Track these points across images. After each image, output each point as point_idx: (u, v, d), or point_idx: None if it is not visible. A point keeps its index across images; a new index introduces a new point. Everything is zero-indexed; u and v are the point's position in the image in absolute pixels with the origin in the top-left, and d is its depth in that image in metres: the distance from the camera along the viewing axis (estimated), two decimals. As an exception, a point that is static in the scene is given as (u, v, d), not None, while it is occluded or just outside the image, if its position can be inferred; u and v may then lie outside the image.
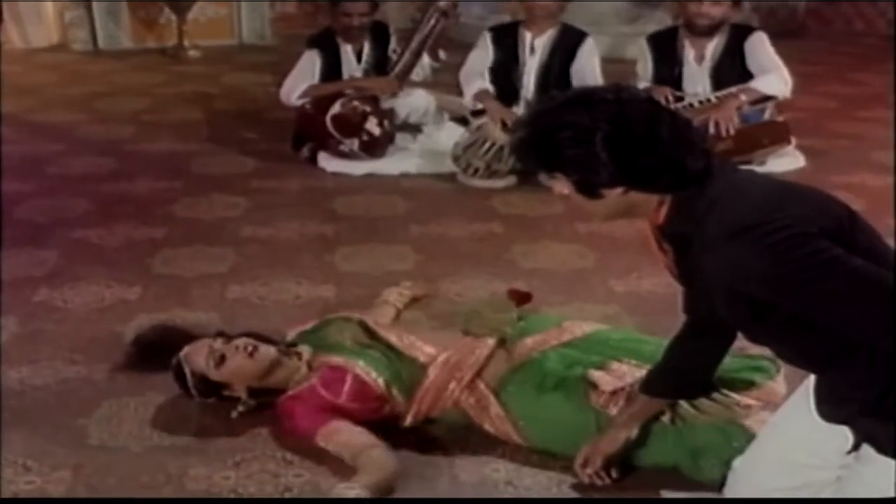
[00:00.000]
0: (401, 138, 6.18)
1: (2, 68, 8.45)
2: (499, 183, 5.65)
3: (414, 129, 6.20)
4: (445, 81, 6.57)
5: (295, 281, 4.43)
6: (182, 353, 3.34)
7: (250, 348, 3.27)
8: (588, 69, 5.95)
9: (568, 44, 6.00)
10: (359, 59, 6.23)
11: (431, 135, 6.13)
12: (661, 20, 8.22)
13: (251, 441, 3.22)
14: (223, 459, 3.13)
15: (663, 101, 5.65)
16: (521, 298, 3.61)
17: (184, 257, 4.73)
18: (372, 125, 5.92)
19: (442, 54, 6.25)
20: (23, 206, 5.40)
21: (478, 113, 5.88)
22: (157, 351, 3.52)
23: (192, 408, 3.38)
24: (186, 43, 9.23)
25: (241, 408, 3.31)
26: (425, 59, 6.21)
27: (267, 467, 3.08)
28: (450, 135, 5.95)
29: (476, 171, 5.64)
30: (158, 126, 7.04)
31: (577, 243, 4.86)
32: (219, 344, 3.30)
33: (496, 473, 3.06)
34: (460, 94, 6.15)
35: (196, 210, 5.36)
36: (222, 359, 3.26)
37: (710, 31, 5.84)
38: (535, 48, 6.01)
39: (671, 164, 2.24)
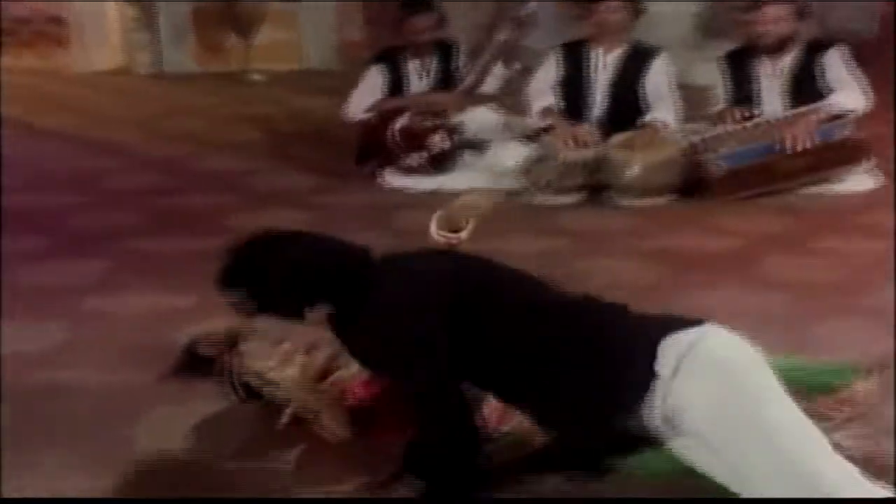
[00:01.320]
0: (467, 155, 5.97)
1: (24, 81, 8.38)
2: (567, 199, 5.46)
3: (480, 146, 5.99)
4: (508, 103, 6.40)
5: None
6: (236, 351, 3.16)
7: (306, 349, 3.13)
8: (663, 86, 5.75)
9: (640, 59, 5.80)
10: (425, 76, 6.10)
11: (497, 153, 5.91)
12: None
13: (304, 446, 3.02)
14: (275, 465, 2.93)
15: (732, 122, 5.55)
16: None
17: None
18: (439, 139, 5.76)
19: (517, 64, 6.07)
20: (74, 218, 5.30)
21: (544, 130, 5.68)
22: (207, 360, 3.33)
23: (242, 415, 3.18)
24: (251, 67, 9.13)
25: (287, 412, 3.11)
26: (499, 68, 6.04)
27: (323, 470, 2.86)
28: (516, 153, 5.73)
29: (546, 185, 5.43)
30: (219, 145, 6.93)
31: (644, 260, 4.65)
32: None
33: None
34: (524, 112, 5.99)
35: (255, 224, 5.14)
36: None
37: (780, 47, 5.66)
38: (606, 64, 5.80)
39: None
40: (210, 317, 3.84)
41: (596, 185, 5.50)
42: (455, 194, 5.35)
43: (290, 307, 2.74)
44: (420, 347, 2.53)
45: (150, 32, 9.43)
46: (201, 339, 3.47)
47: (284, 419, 3.09)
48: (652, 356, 2.31)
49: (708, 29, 9.12)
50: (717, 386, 2.25)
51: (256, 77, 9.08)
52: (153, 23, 9.41)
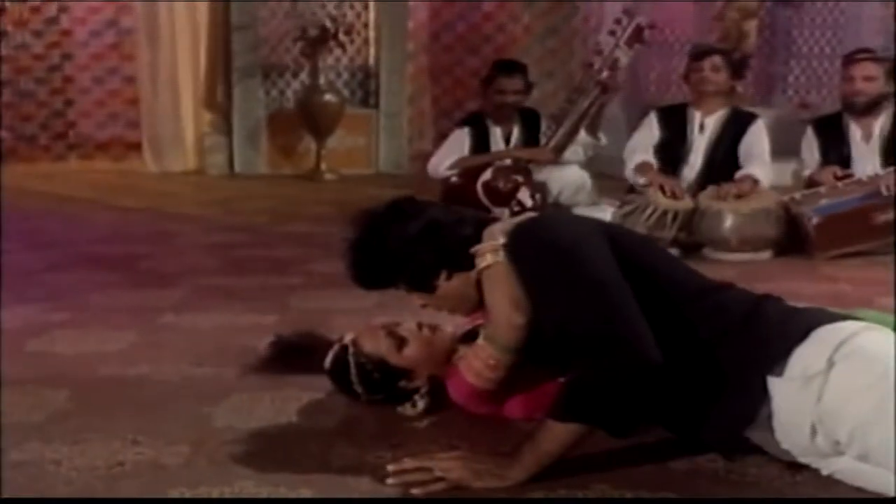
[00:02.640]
0: (551, 217, 5.80)
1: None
2: (661, 254, 5.20)
3: (566, 209, 5.85)
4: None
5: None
6: (346, 340, 2.93)
7: (430, 328, 2.90)
8: (758, 148, 5.69)
9: (738, 123, 5.77)
10: (507, 141, 6.06)
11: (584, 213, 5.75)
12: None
13: (407, 427, 2.83)
14: (375, 442, 2.70)
15: (830, 180, 5.48)
16: None
17: (324, 297, 4.36)
18: (524, 196, 5.68)
19: (602, 137, 5.98)
20: (146, 262, 5.24)
21: (641, 185, 5.60)
22: (296, 352, 3.18)
23: (338, 400, 2.99)
24: (323, 167, 9.10)
25: (419, 402, 2.88)
26: (583, 135, 5.94)
27: (429, 449, 2.60)
28: (604, 215, 5.56)
29: (637, 240, 5.21)
30: (291, 221, 6.80)
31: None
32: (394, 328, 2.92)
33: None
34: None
35: (335, 266, 4.99)
36: (403, 341, 2.85)
37: (871, 109, 5.69)
38: (705, 127, 5.73)
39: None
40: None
41: (689, 244, 5.33)
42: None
43: (426, 273, 2.66)
44: (604, 272, 2.41)
45: (224, 135, 9.45)
46: (288, 334, 3.30)
47: (420, 406, 2.87)
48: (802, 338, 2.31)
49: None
50: (873, 381, 2.17)
51: (328, 176, 9.04)
52: (228, 126, 9.45)
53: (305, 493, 2.39)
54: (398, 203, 2.72)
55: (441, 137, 10.45)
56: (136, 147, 9.81)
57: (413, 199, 2.75)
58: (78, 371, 3.36)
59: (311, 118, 9.02)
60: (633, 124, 6.55)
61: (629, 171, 5.71)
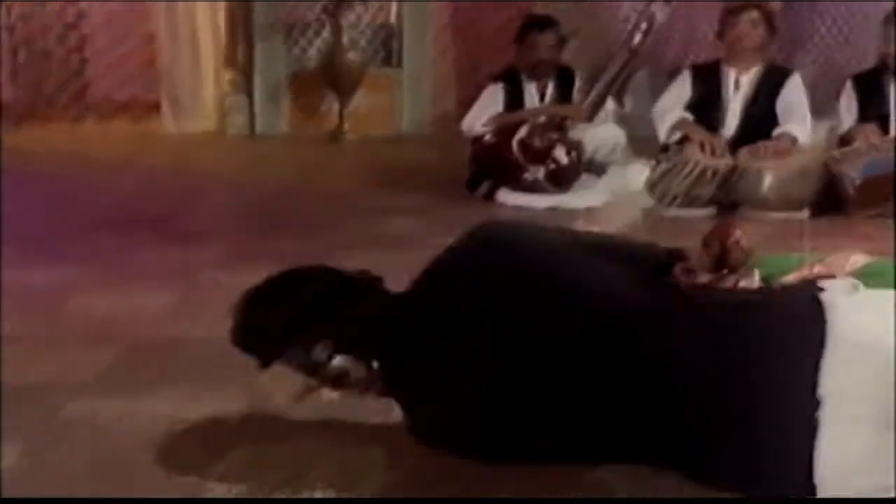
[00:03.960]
0: (585, 178, 5.76)
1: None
2: (699, 212, 5.19)
3: (599, 168, 5.79)
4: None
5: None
6: None
7: None
8: (796, 104, 5.63)
9: (775, 80, 5.69)
10: (542, 98, 5.99)
11: (618, 174, 5.70)
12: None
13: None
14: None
15: (868, 139, 5.39)
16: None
17: (370, 259, 4.28)
18: (560, 153, 5.59)
19: (627, 102, 5.91)
20: (179, 221, 5.25)
21: (677, 142, 5.53)
22: None
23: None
24: (346, 127, 9.02)
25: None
26: (609, 103, 5.90)
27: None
28: (638, 174, 5.51)
29: (674, 199, 5.24)
30: (319, 182, 6.73)
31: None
32: None
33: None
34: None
35: (374, 227, 4.97)
36: None
37: None
38: (741, 84, 5.66)
39: None
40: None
41: (726, 203, 5.27)
42: (571, 212, 5.25)
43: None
44: None
45: (245, 95, 9.36)
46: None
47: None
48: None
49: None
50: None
51: (350, 136, 8.95)
52: (249, 86, 9.36)
53: (374, 449, 2.36)
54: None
55: (464, 98, 10.43)
56: (156, 107, 9.71)
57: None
58: (123, 330, 3.33)
59: (334, 77, 8.92)
60: (656, 84, 6.49)
61: (664, 130, 5.62)
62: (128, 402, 2.66)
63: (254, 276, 3.78)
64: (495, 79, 6.07)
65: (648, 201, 5.35)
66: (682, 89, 5.77)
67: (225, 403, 2.64)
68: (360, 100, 9.27)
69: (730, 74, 5.69)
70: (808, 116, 5.62)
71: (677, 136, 5.52)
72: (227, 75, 9.52)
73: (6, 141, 7.81)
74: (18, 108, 9.38)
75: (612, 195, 5.52)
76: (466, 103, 10.17)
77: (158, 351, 3.13)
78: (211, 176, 6.93)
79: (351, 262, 4.07)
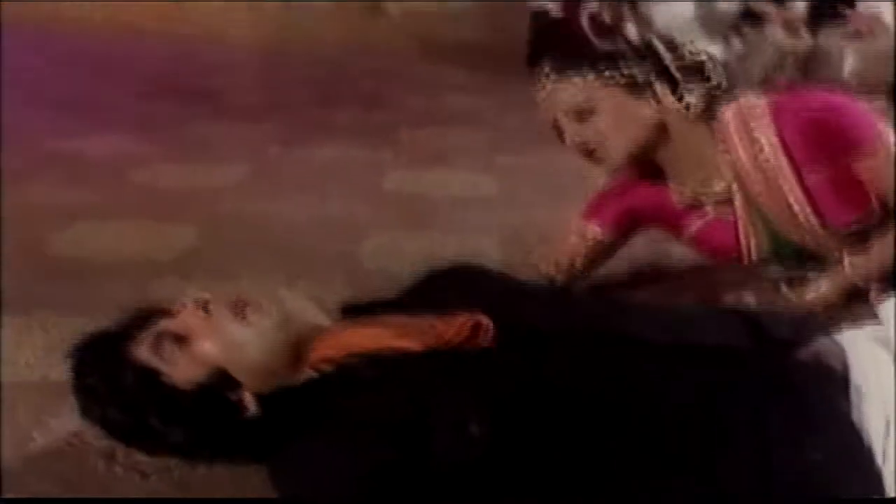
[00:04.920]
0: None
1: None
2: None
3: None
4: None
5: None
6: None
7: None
8: None
9: None
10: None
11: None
12: None
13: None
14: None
15: None
16: None
17: (433, 134, 4.11)
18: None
19: None
20: (229, 94, 5.07)
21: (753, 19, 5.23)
22: None
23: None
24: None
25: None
26: None
27: None
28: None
29: (751, 83, 4.93)
30: (364, 55, 6.47)
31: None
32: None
33: None
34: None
35: (429, 103, 4.75)
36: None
37: None
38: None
39: None
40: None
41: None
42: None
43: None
44: None
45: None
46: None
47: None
48: None
49: None
50: None
51: (392, 9, 8.64)
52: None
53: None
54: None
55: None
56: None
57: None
58: (197, 206, 3.13)
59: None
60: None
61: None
62: (218, 282, 2.47)
63: (319, 152, 3.65)
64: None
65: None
66: None
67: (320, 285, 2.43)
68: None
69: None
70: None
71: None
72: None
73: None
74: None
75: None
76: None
77: (239, 228, 2.94)
78: (249, 48, 6.69)
79: (414, 138, 3.98)
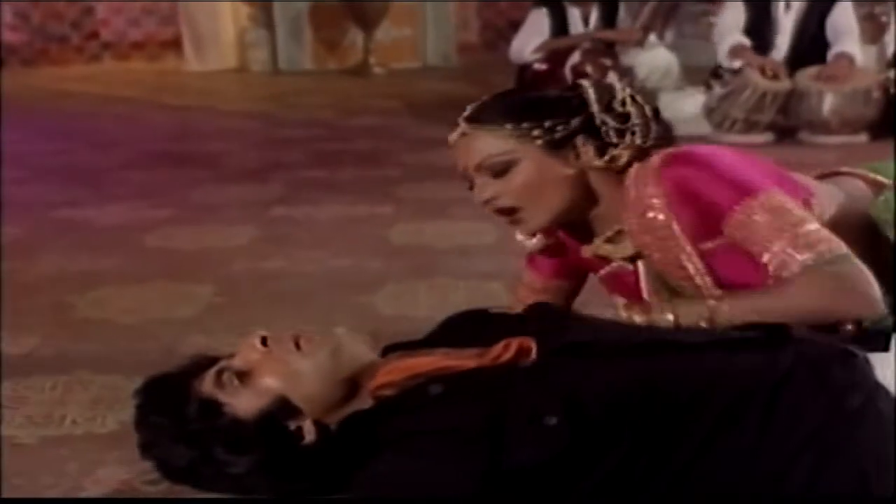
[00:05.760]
0: (636, 103, 5.65)
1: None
2: (757, 138, 5.14)
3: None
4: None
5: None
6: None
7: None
8: (847, 24, 5.46)
9: (824, 1, 5.49)
10: (585, 23, 5.88)
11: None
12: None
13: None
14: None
15: None
16: None
17: (430, 187, 4.25)
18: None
19: (669, 35, 5.81)
20: (227, 158, 5.21)
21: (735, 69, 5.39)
22: None
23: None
24: (372, 60, 8.87)
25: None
26: (651, 37, 5.82)
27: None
28: (692, 101, 5.44)
29: (733, 124, 5.18)
30: (357, 115, 6.62)
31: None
32: None
33: None
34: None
35: (426, 158, 4.89)
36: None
37: None
38: (791, 6, 5.50)
39: None
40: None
41: (785, 127, 5.23)
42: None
43: None
44: None
45: (266, 30, 9.22)
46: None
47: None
48: None
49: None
50: None
51: (377, 70, 8.83)
52: (269, 20, 9.21)
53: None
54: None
55: (485, 27, 10.31)
56: (171, 45, 9.65)
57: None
58: (212, 266, 3.27)
59: (358, 9, 8.77)
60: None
61: (722, 54, 5.50)
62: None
63: (323, 209, 3.78)
64: (539, 3, 5.95)
65: (705, 127, 5.26)
66: (737, 11, 5.62)
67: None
68: (385, 32, 9.15)
69: (781, -5, 5.59)
70: (858, 36, 5.47)
71: (737, 64, 5.37)
72: (246, 9, 9.39)
73: (22, 81, 7.74)
74: (25, 50, 9.28)
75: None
76: (489, 27, 10.14)
77: (256, 285, 3.06)
78: (243, 114, 6.85)
79: (413, 195, 4.11)
